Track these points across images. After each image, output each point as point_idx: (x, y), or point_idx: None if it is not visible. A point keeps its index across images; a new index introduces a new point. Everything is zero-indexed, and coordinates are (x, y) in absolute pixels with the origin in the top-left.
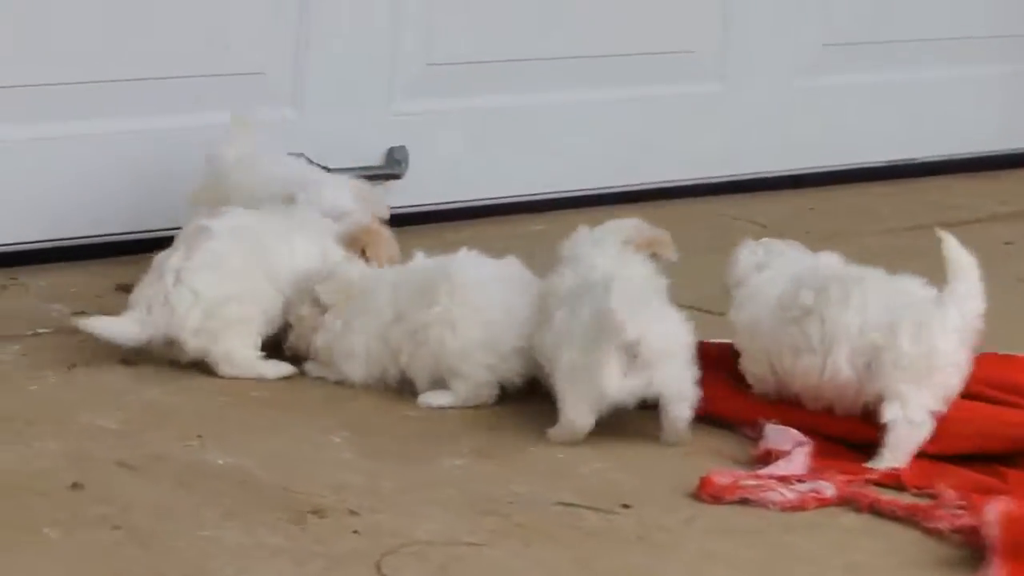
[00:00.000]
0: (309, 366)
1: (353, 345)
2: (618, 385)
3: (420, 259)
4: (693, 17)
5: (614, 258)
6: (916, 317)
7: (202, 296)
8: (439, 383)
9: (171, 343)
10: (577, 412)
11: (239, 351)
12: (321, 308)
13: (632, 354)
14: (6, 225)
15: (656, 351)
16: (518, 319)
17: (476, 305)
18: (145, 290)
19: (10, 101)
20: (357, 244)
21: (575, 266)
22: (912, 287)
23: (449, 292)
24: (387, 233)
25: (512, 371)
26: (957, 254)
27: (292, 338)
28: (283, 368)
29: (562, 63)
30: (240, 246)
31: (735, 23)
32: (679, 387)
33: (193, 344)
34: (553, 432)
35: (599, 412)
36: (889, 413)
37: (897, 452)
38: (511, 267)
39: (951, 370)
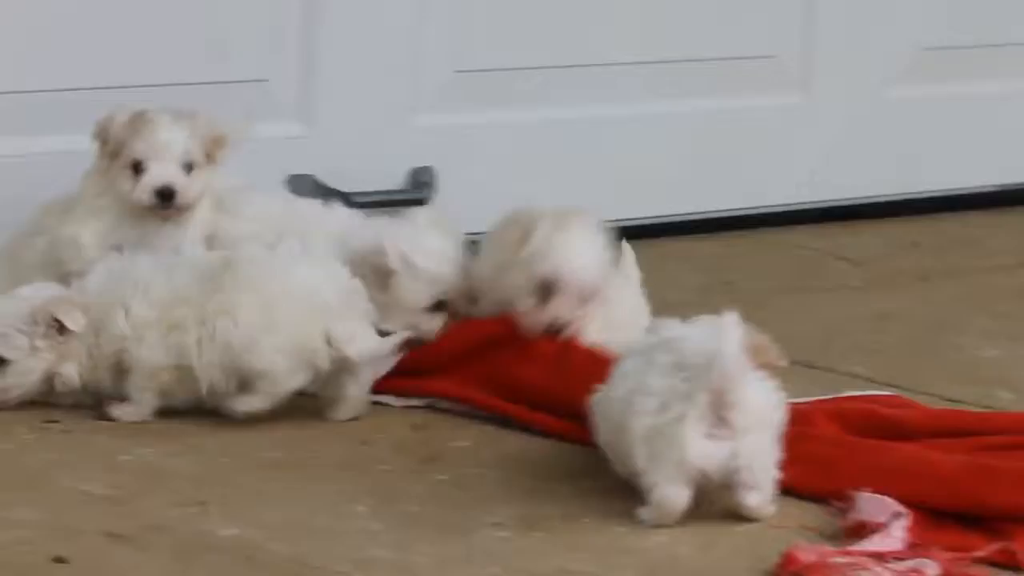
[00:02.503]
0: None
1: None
2: (701, 448)
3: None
4: (771, 15)
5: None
6: None
7: None
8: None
9: None
10: (667, 487)
11: None
12: (62, 334)
13: (721, 414)
14: None
15: (750, 416)
16: (315, 294)
17: (257, 286)
18: None
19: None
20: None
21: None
22: None
23: (233, 278)
24: None
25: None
26: None
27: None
28: None
29: (616, 70)
30: None
31: (820, 22)
32: (762, 470)
33: None
34: (643, 512)
35: (691, 484)
36: None
37: None
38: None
39: None
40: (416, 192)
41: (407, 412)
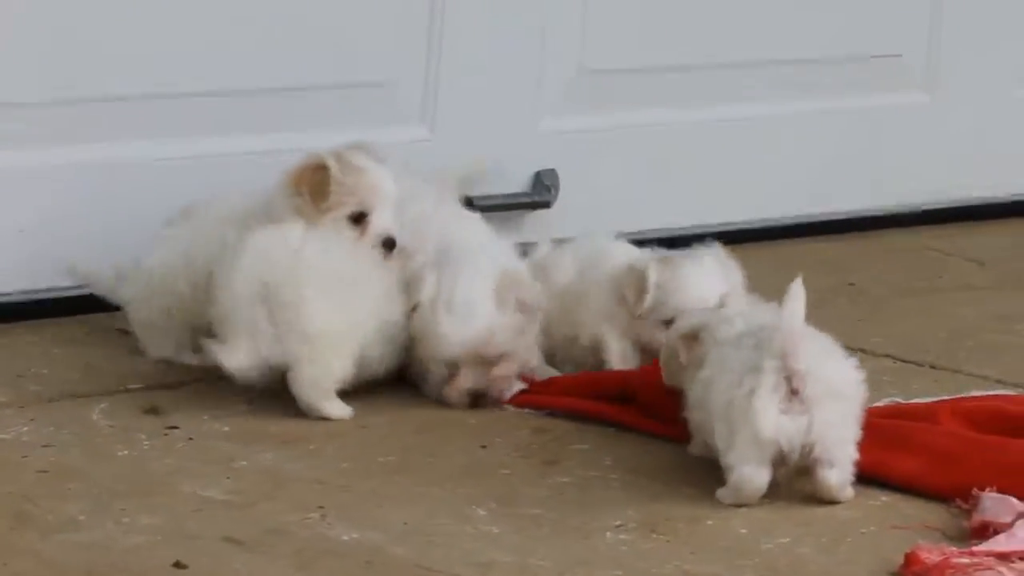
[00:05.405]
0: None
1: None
2: (774, 422)
3: None
4: (896, 15)
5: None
6: None
7: None
8: None
9: None
10: (742, 466)
11: None
12: None
13: (794, 388)
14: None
15: (822, 386)
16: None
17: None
18: None
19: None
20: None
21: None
22: None
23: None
24: None
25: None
26: None
27: None
28: None
29: (739, 71)
30: None
31: (946, 22)
32: (838, 445)
33: None
34: (722, 493)
35: (767, 463)
36: None
37: None
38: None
39: None
40: (540, 195)
41: (527, 416)
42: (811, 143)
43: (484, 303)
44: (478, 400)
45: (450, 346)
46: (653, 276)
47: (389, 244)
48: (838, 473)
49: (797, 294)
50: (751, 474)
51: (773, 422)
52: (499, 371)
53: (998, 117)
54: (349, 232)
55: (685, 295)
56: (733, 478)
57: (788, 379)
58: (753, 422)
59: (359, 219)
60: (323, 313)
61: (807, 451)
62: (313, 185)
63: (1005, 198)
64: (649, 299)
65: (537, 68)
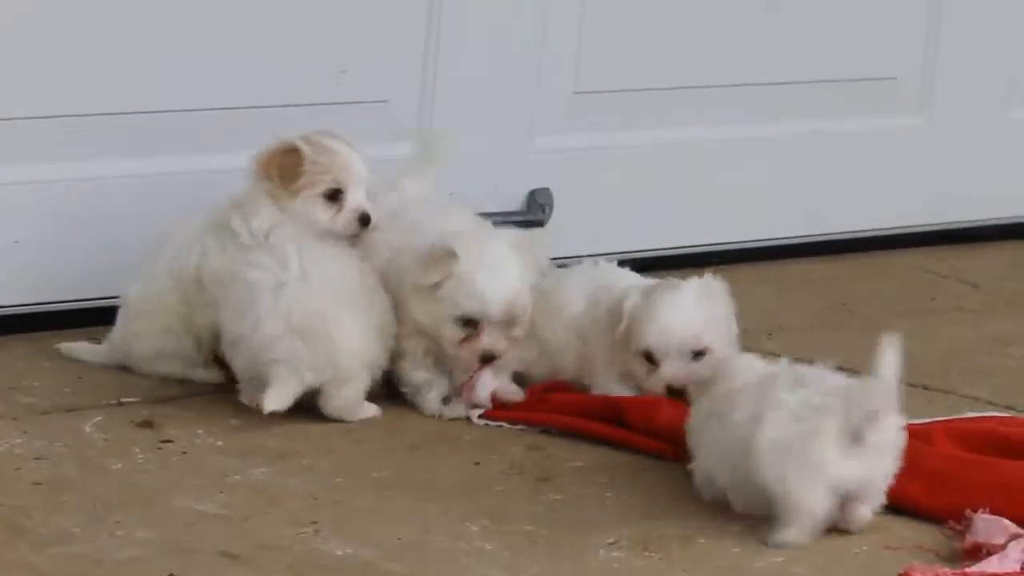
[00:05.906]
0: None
1: None
2: (839, 464)
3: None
4: (891, 38)
5: None
6: None
7: None
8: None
9: None
10: (805, 494)
11: None
12: None
13: (859, 437)
14: None
15: (889, 438)
16: None
17: None
18: None
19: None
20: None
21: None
22: None
23: None
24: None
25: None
26: None
27: None
28: None
29: (734, 92)
30: None
31: (941, 43)
32: (881, 486)
33: None
34: (778, 535)
35: (828, 494)
36: None
37: None
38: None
39: None
40: (534, 214)
41: (521, 433)
42: (806, 164)
43: (513, 263)
44: (487, 361)
45: (489, 304)
46: (628, 305)
47: (365, 220)
48: (868, 510)
49: (893, 346)
50: (816, 502)
51: (837, 465)
52: (516, 331)
53: (992, 139)
54: (324, 211)
55: (655, 326)
56: (793, 505)
57: (859, 425)
58: (819, 461)
59: (334, 196)
60: (352, 331)
61: (853, 491)
62: (282, 168)
63: (999, 220)
64: (623, 328)
65: (532, 87)
